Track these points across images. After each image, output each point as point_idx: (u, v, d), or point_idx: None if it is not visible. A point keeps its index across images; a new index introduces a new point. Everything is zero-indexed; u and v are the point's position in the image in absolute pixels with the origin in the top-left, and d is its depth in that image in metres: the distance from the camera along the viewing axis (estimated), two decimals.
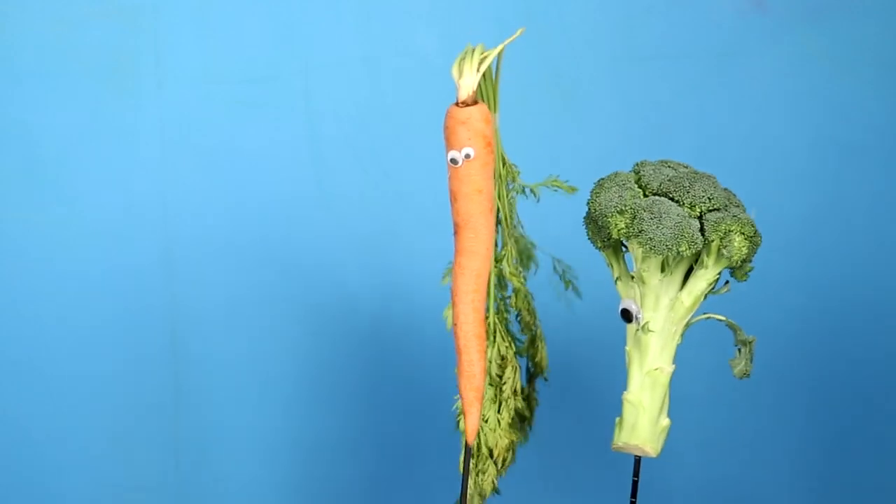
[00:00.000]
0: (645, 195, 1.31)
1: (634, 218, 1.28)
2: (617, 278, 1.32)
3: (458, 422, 1.38)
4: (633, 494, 1.36)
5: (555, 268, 1.39)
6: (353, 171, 1.73)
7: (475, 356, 1.33)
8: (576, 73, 1.71)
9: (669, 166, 1.34)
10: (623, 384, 1.31)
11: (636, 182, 1.33)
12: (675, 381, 1.36)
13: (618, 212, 1.28)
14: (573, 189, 1.36)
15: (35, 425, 1.72)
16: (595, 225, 1.32)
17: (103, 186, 1.71)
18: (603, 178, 1.32)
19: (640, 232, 1.26)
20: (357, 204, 1.73)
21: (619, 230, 1.28)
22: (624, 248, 1.31)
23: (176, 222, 1.72)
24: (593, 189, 1.32)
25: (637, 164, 1.35)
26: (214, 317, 1.73)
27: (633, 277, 1.31)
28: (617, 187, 1.31)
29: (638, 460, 1.35)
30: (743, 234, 1.27)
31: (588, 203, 1.32)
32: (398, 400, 1.75)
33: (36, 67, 1.71)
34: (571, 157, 1.64)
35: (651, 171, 1.33)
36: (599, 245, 1.33)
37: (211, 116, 1.72)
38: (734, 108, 1.72)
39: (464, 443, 1.35)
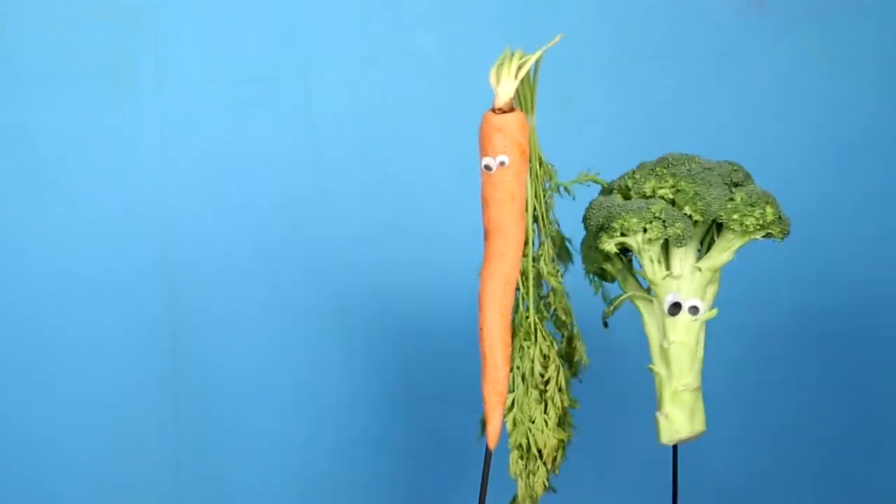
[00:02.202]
0: (616, 199, 1.33)
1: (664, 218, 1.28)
2: (664, 277, 1.32)
3: (482, 428, 1.38)
4: (675, 482, 1.41)
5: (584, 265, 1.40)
6: (354, 170, 1.73)
7: (500, 361, 1.34)
8: (576, 73, 1.71)
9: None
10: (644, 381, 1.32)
11: (621, 194, 1.34)
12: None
13: (655, 219, 1.28)
14: (606, 183, 1.37)
15: (34, 425, 1.73)
16: (597, 254, 1.32)
17: (103, 186, 1.72)
18: (600, 219, 1.31)
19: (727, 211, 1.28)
20: (357, 203, 1.74)
21: (678, 229, 1.28)
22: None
23: (176, 222, 1.73)
24: (608, 228, 1.31)
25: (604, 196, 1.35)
26: (214, 317, 1.74)
27: (671, 274, 1.31)
28: (594, 210, 1.32)
29: (675, 449, 1.39)
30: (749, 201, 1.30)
31: (602, 235, 1.31)
32: (400, 396, 1.75)
33: (36, 67, 1.71)
34: (572, 158, 1.58)
35: (627, 181, 1.34)
36: (616, 268, 1.34)
37: (211, 116, 1.73)
38: (734, 108, 1.73)
39: (485, 450, 1.35)
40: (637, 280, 1.35)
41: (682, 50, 1.73)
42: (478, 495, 1.45)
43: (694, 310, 1.32)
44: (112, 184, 1.72)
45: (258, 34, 1.73)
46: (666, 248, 1.32)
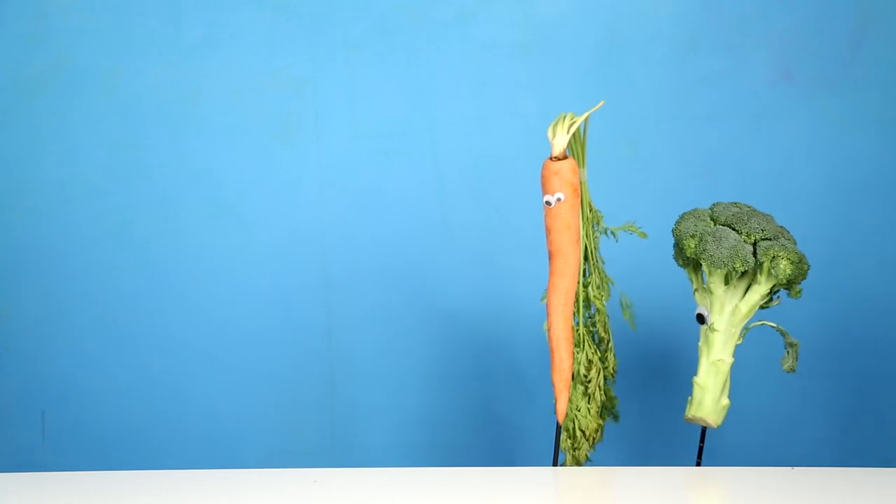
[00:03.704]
0: (714, 226, 1.42)
1: (701, 241, 1.38)
2: (695, 290, 1.41)
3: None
4: (699, 457, 1.45)
5: (620, 301, 1.48)
6: (469, 205, 1.79)
7: (564, 354, 1.42)
8: (642, 129, 1.78)
9: (737, 206, 1.43)
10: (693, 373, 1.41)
11: (709, 216, 1.43)
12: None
13: (690, 236, 1.39)
14: (645, 235, 1.46)
15: (221, 400, 1.80)
16: (677, 247, 1.42)
17: (273, 217, 1.80)
18: (685, 212, 1.42)
19: (703, 251, 1.37)
20: (472, 232, 1.79)
21: (690, 250, 1.38)
22: (701, 266, 1.42)
23: (330, 245, 1.79)
24: (678, 220, 1.41)
25: (713, 204, 1.44)
26: (359, 318, 1.79)
27: (705, 289, 1.40)
28: (693, 218, 1.42)
29: (703, 430, 1.44)
30: (788, 259, 1.36)
31: (673, 230, 1.42)
32: (502, 386, 1.80)
33: (221, 125, 1.80)
34: (637, 196, 1.70)
35: (721, 209, 1.43)
36: (681, 263, 1.43)
37: (358, 163, 1.79)
38: (767, 156, 1.77)
39: (556, 422, 1.43)
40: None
41: (727, 110, 1.77)
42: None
43: (702, 319, 1.39)
44: (280, 215, 1.79)
45: (395, 98, 1.79)
46: (728, 276, 1.40)
